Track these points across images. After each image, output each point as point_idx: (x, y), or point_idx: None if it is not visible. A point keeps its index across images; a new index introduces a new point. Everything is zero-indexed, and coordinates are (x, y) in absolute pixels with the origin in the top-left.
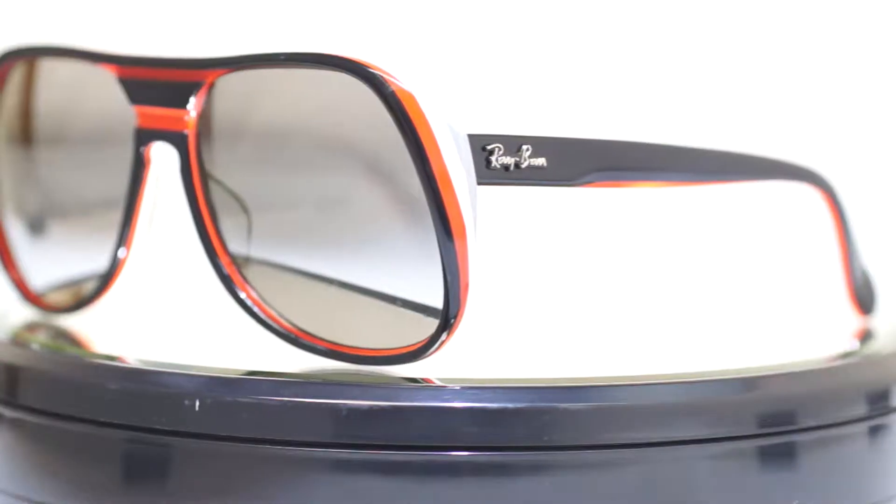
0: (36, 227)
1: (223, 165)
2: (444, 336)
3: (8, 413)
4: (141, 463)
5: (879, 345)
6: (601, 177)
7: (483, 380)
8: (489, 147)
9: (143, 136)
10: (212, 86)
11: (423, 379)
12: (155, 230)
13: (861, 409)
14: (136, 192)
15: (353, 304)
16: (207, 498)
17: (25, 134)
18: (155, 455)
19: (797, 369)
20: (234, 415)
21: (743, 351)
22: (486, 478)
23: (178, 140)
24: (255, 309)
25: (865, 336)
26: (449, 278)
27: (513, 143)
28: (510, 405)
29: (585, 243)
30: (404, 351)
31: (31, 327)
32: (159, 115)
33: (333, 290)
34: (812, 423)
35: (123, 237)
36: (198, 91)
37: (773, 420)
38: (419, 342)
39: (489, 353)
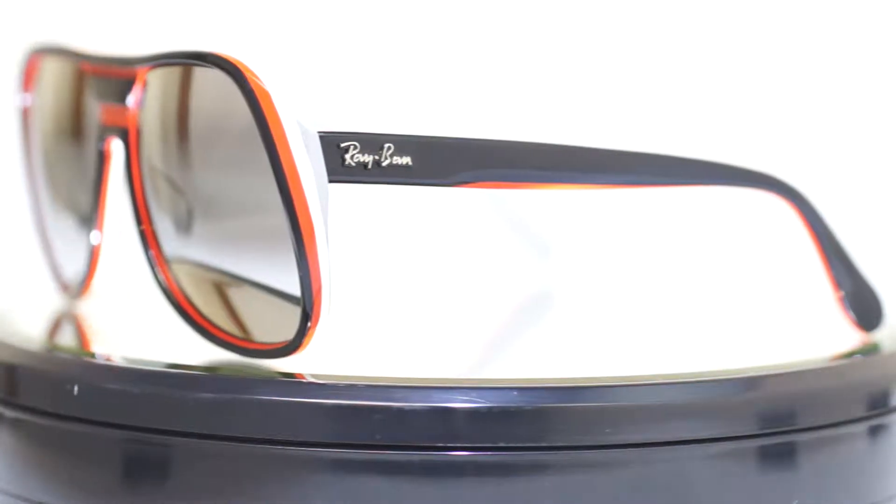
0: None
1: (155, 160)
2: (305, 333)
3: (8, 413)
4: (141, 463)
5: (878, 345)
6: (479, 176)
7: (483, 380)
8: (343, 145)
9: (102, 132)
10: (145, 83)
11: (295, 374)
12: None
13: (860, 409)
14: (100, 187)
15: (254, 300)
16: (207, 498)
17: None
18: (155, 455)
19: (797, 369)
20: (234, 415)
21: (743, 351)
22: (486, 478)
23: (122, 135)
24: (178, 301)
25: (864, 336)
26: (301, 274)
27: (372, 142)
28: (510, 405)
29: (587, 244)
30: (278, 346)
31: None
32: (112, 110)
33: (239, 285)
34: (812, 423)
35: (93, 235)
36: (133, 88)
37: (773, 420)
38: (289, 338)
39: (489, 354)
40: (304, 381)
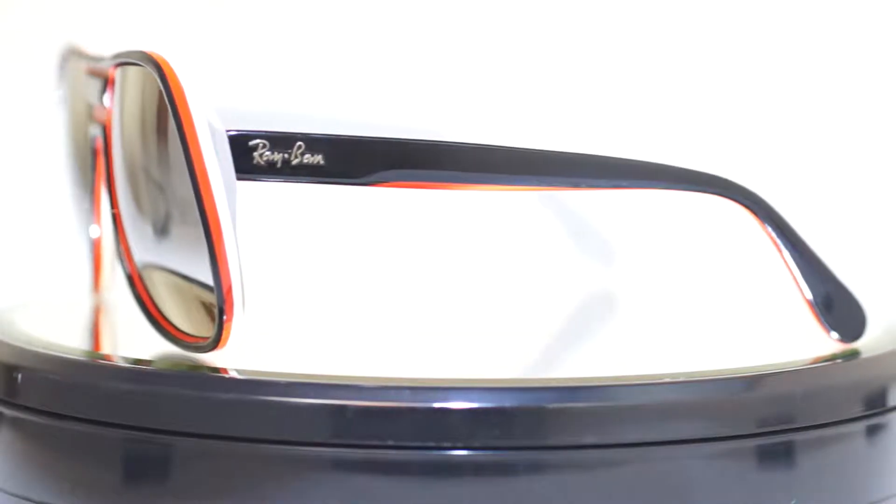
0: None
1: (118, 157)
2: (222, 328)
3: (8, 413)
4: (141, 463)
5: (877, 344)
6: (393, 176)
7: (483, 380)
8: (252, 144)
9: (93, 130)
10: (113, 81)
11: (184, 367)
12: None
13: (859, 409)
14: (93, 182)
15: (198, 295)
16: (207, 498)
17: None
18: (155, 455)
19: (795, 369)
20: (234, 415)
21: (741, 351)
22: (486, 478)
23: (102, 133)
24: (137, 291)
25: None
26: (212, 271)
27: (282, 141)
28: (510, 405)
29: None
30: (202, 340)
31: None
32: (96, 109)
33: (188, 282)
34: (810, 423)
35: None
36: (106, 86)
37: (772, 419)
38: (211, 334)
39: (489, 354)
40: (303, 381)
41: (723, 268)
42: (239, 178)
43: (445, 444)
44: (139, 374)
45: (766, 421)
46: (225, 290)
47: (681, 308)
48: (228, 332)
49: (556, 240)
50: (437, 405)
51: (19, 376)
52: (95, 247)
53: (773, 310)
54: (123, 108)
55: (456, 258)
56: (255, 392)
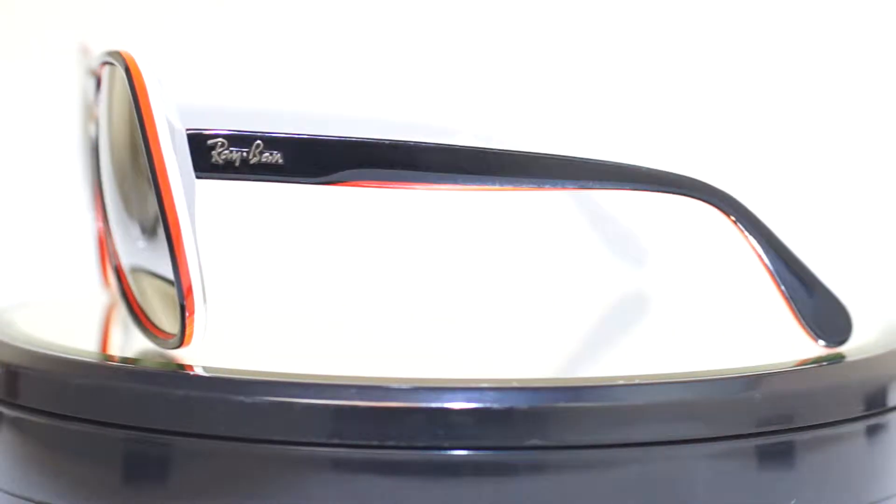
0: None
1: (103, 154)
2: (185, 326)
3: (8, 413)
4: (141, 463)
5: (876, 344)
6: (352, 175)
7: (483, 380)
8: (211, 142)
9: (92, 127)
10: (100, 80)
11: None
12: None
13: (858, 409)
14: (96, 177)
15: (169, 292)
16: (207, 498)
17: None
18: (155, 455)
19: (795, 369)
20: (234, 415)
21: (741, 351)
22: (486, 478)
23: (95, 131)
24: (122, 287)
25: (862, 335)
26: (173, 269)
27: (241, 140)
28: (510, 405)
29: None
30: (169, 337)
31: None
32: (93, 106)
33: (162, 280)
34: (810, 423)
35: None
36: (98, 86)
37: (771, 419)
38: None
39: (489, 354)
40: (303, 381)
41: (723, 267)
42: (198, 177)
43: (445, 444)
44: (139, 374)
45: (766, 421)
46: (185, 287)
47: (681, 308)
48: (192, 329)
49: (556, 240)
50: (437, 405)
51: (19, 376)
52: (100, 243)
53: (773, 309)
54: (106, 106)
55: (456, 258)
56: (255, 392)
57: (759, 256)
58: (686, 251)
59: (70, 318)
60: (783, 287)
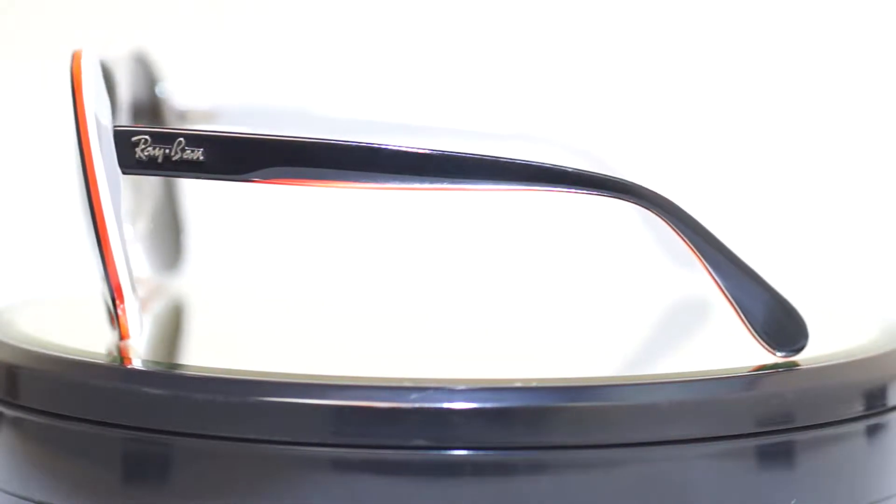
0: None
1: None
2: (118, 322)
3: (8, 413)
4: (141, 463)
5: (876, 343)
6: (271, 173)
7: (483, 380)
8: (135, 139)
9: None
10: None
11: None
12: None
13: (859, 408)
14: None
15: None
16: (207, 498)
17: None
18: (155, 455)
19: (794, 368)
20: (234, 415)
21: (741, 351)
22: (486, 478)
23: None
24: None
25: (862, 335)
26: (100, 263)
27: (164, 137)
28: (510, 405)
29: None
30: (120, 331)
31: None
32: None
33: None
34: (810, 422)
35: None
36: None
37: (771, 419)
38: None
39: (489, 354)
40: (303, 381)
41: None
42: (124, 173)
43: (445, 444)
44: (139, 374)
45: (766, 421)
46: (112, 281)
47: (681, 307)
48: (125, 323)
49: (556, 239)
50: (437, 405)
51: (19, 376)
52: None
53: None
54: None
55: (455, 258)
56: (255, 392)
57: (701, 261)
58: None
59: (70, 318)
60: (731, 297)
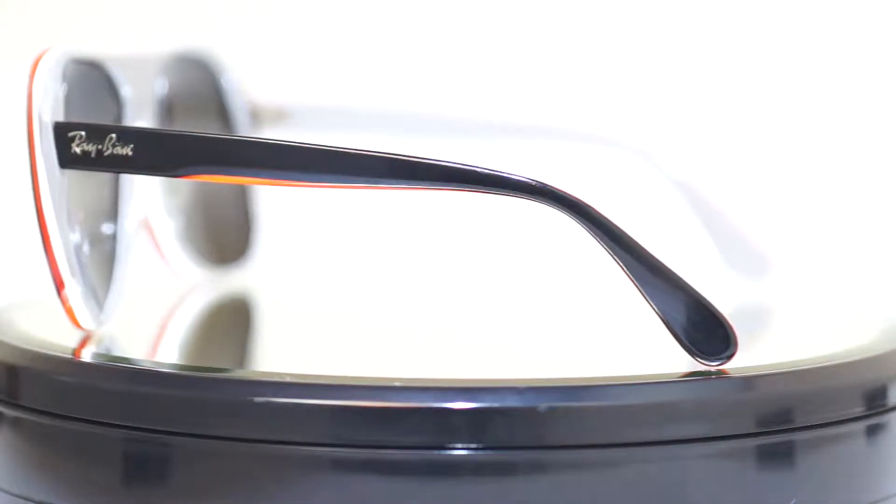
0: None
1: None
2: (64, 307)
3: (8, 413)
4: (141, 463)
5: (877, 343)
6: (197, 169)
7: (483, 380)
8: (71, 135)
9: None
10: None
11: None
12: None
13: (859, 408)
14: None
15: None
16: (207, 498)
17: None
18: (155, 455)
19: (794, 368)
20: (234, 415)
21: (740, 350)
22: (485, 477)
23: None
24: None
25: (862, 335)
26: (44, 252)
27: (97, 132)
28: (510, 405)
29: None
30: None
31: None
32: None
33: None
34: (810, 422)
35: None
36: None
37: (771, 419)
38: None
39: (489, 353)
40: (303, 381)
41: (723, 265)
42: (62, 168)
43: (445, 444)
44: (139, 374)
45: (766, 421)
46: (54, 271)
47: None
48: (69, 307)
49: (556, 239)
50: (437, 405)
51: (19, 376)
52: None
53: (774, 308)
54: None
55: (455, 257)
56: (255, 392)
57: (623, 269)
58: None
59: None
60: (651, 300)
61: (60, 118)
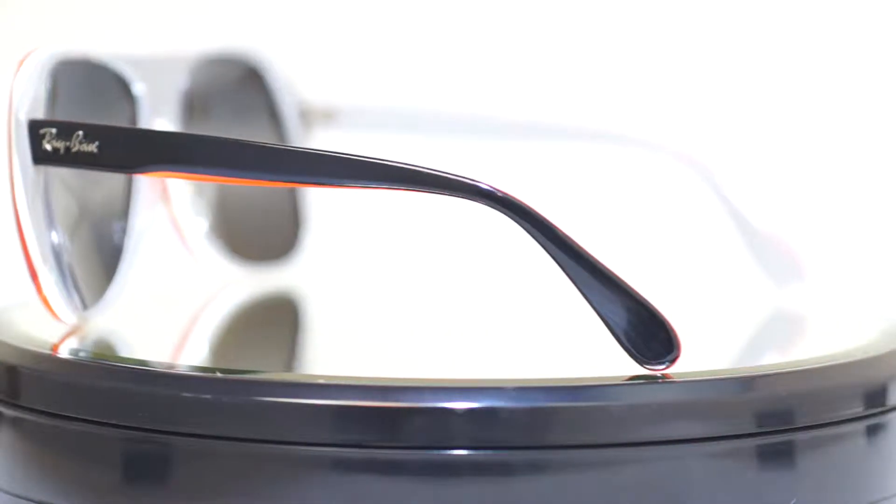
0: None
1: None
2: (40, 296)
3: (8, 413)
4: (141, 463)
5: (877, 343)
6: (157, 167)
7: (483, 380)
8: (42, 131)
9: None
10: None
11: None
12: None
13: (858, 408)
14: None
15: None
16: (207, 498)
17: None
18: (155, 455)
19: (794, 368)
20: (234, 415)
21: (740, 350)
22: (485, 477)
23: None
24: None
25: (862, 335)
26: (20, 245)
27: (66, 129)
28: (510, 405)
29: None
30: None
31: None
32: None
33: None
34: (810, 422)
35: None
36: None
37: (771, 419)
38: None
39: (489, 354)
40: (303, 381)
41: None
42: (35, 164)
43: (445, 444)
44: (139, 374)
45: (766, 421)
46: (28, 264)
47: (682, 307)
48: (44, 297)
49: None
50: (436, 405)
51: (19, 376)
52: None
53: (773, 308)
54: None
55: (456, 257)
56: (255, 392)
57: (562, 268)
58: (685, 249)
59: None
60: (592, 303)
61: (40, 116)
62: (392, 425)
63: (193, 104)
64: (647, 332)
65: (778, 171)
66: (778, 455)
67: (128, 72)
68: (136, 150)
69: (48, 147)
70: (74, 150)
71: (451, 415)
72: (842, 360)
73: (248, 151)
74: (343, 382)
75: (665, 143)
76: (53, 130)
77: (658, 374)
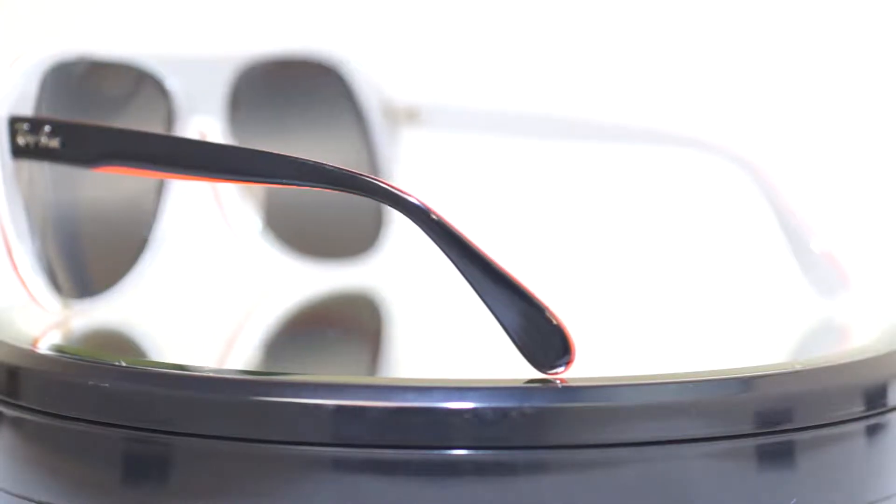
0: None
1: None
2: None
3: (8, 413)
4: (141, 463)
5: (877, 343)
6: (113, 162)
7: (483, 380)
8: (16, 127)
9: None
10: None
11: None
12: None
13: (858, 408)
14: None
15: None
16: (207, 498)
17: None
18: (155, 455)
19: (794, 368)
20: (234, 415)
21: (740, 350)
22: (485, 477)
23: None
24: None
25: (862, 334)
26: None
27: (37, 125)
28: (510, 405)
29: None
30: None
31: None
32: None
33: None
34: (809, 422)
35: None
36: None
37: (771, 419)
38: None
39: (489, 354)
40: (304, 381)
41: (723, 265)
42: (13, 158)
43: (445, 444)
44: (139, 374)
45: (766, 421)
46: (11, 261)
47: (681, 307)
48: (28, 289)
49: (557, 238)
50: (437, 405)
51: (19, 376)
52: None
53: (773, 308)
54: None
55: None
56: (254, 392)
57: (457, 268)
58: (686, 248)
59: (70, 317)
60: (487, 304)
61: (29, 113)
62: (392, 425)
63: (262, 105)
64: (541, 337)
65: (778, 170)
66: (778, 455)
67: (159, 70)
68: (93, 147)
69: (21, 142)
70: (41, 144)
71: (451, 415)
72: (842, 360)
73: (186, 148)
74: (343, 382)
75: (722, 143)
76: (26, 126)
77: (555, 378)
